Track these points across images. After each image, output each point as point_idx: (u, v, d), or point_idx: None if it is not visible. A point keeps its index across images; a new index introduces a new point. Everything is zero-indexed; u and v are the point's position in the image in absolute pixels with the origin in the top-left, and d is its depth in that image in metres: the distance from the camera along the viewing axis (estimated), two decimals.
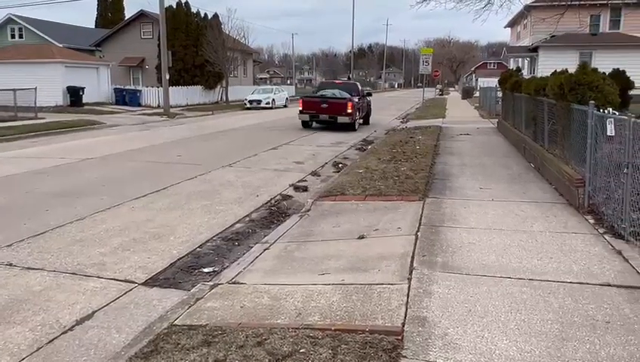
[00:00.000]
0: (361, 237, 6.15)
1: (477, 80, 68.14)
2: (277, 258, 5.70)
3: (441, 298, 4.28)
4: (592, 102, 6.89)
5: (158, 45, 31.53)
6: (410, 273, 4.82)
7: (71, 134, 19.15)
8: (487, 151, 13.18)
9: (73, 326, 4.26)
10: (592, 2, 28.77)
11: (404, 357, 3.40)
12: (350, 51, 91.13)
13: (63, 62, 31.20)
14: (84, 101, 30.59)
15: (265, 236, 6.68)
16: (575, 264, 5.07)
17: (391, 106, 39.74)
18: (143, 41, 40.37)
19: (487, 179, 9.44)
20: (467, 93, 52.21)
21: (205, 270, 5.60)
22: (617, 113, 6.53)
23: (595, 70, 7.91)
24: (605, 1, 28.35)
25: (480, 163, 11.36)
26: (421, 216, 6.89)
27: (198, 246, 6.30)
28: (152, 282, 5.22)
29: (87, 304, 4.66)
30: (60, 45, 36.58)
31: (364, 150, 14.76)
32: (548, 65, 26.06)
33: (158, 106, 32.40)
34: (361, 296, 4.36)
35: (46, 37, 38.22)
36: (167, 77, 29.25)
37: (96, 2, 54.89)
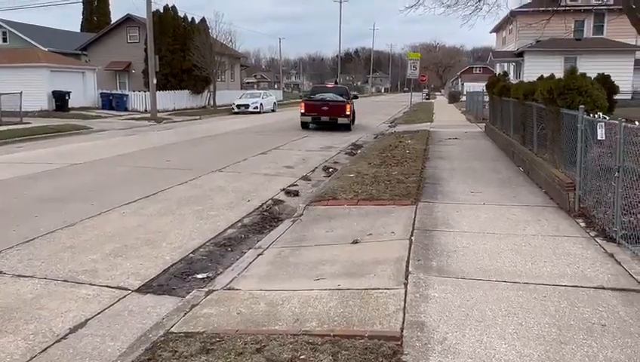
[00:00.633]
0: (355, 242, 6.14)
1: (463, 84, 68.63)
2: (271, 263, 5.67)
3: (438, 302, 4.28)
4: (582, 106, 6.96)
5: (145, 49, 31.40)
6: (406, 277, 4.82)
7: (57, 139, 18.95)
8: (476, 155, 13.25)
9: (67, 335, 4.19)
10: (577, 8, 29.21)
11: None
12: (337, 55, 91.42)
13: (49, 67, 30.89)
14: (70, 106, 30.29)
15: (258, 241, 6.64)
16: (569, 267, 5.10)
17: (379, 110, 39.86)
18: (130, 46, 40.11)
19: (478, 182, 9.49)
20: (453, 98, 52.59)
21: (199, 276, 5.55)
22: (607, 117, 6.61)
23: (584, 75, 8.00)
24: (590, 7, 28.75)
25: (470, 167, 11.42)
26: (414, 220, 6.90)
27: (191, 252, 6.25)
28: (145, 289, 5.16)
29: (80, 312, 4.59)
30: (45, 49, 36.25)
31: (354, 154, 14.79)
32: (533, 69, 26.37)
33: (145, 111, 32.18)
34: (358, 301, 4.35)
35: (31, 41, 37.85)
36: (155, 81, 29.11)
37: (82, 6, 54.45)
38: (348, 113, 22.34)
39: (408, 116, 31.29)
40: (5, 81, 27.79)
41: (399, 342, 3.62)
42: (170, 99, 36.16)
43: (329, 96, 23.27)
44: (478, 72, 78.58)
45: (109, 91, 35.34)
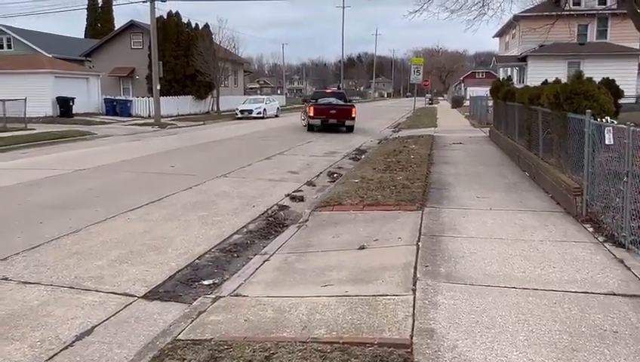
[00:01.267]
0: (362, 248, 6.10)
1: (466, 89, 68.65)
2: (277, 269, 5.63)
3: (447, 309, 4.24)
4: (589, 111, 6.92)
5: (149, 55, 31.51)
6: (415, 284, 4.78)
7: (62, 145, 18.98)
8: (481, 160, 13.20)
9: (73, 342, 4.16)
10: (580, 12, 29.19)
11: None
12: (340, 61, 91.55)
13: (53, 73, 31.03)
14: (74, 111, 30.40)
15: (264, 247, 6.61)
16: (578, 273, 5.06)
17: (382, 115, 39.85)
18: (133, 52, 40.24)
19: (484, 188, 9.45)
20: (457, 103, 52.53)
21: (205, 282, 5.52)
22: (614, 122, 6.57)
23: (590, 79, 7.97)
24: (593, 11, 28.73)
25: (475, 172, 11.37)
26: (421, 225, 6.86)
27: (197, 258, 6.22)
28: (151, 295, 5.13)
29: (86, 319, 4.56)
30: (50, 55, 36.41)
31: (359, 159, 14.75)
32: (537, 74, 26.32)
33: (149, 116, 32.26)
34: (366, 308, 4.31)
35: (35, 47, 37.99)
36: (158, 87, 29.21)
37: (86, 13, 54.79)
38: (353, 116, 23.96)
39: (412, 121, 31.24)
40: (10, 88, 27.91)
41: (409, 350, 3.58)
42: (173, 105, 36.23)
43: (329, 100, 25.08)
44: (480, 76, 78.55)
45: (112, 97, 35.43)
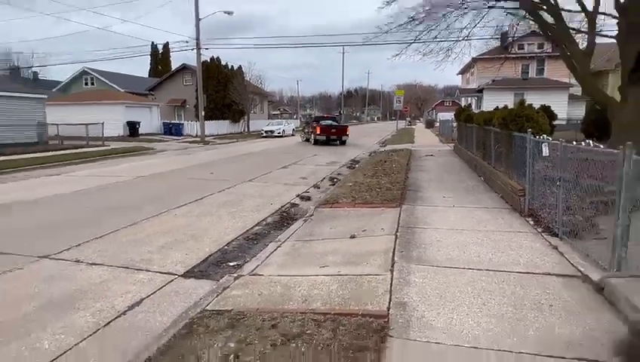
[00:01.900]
0: (353, 237, 5.95)
1: (437, 114, 68.20)
2: (287, 254, 5.49)
3: (417, 286, 4.07)
4: (530, 130, 6.73)
5: (196, 90, 31.48)
6: (392, 266, 4.61)
7: (129, 158, 18.92)
8: (447, 169, 12.98)
9: (126, 311, 4.04)
10: (523, 55, 28.90)
11: (391, 336, 3.19)
12: (341, 93, 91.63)
13: (124, 103, 31.17)
14: (139, 132, 30.48)
15: (277, 236, 6.46)
16: (521, 257, 4.87)
17: (373, 134, 39.62)
18: (185, 87, 40.42)
19: (449, 190, 9.24)
20: (430, 124, 52.16)
21: (231, 264, 5.39)
22: (550, 138, 6.37)
23: (531, 105, 7.76)
24: (533, 54, 28.42)
25: (442, 177, 11.15)
26: (399, 219, 6.70)
27: (225, 245, 6.09)
28: (189, 274, 5.00)
29: (137, 293, 4.44)
30: (122, 90, 36.60)
31: (353, 168, 14.55)
32: (491, 102, 26.01)
33: (196, 136, 32.22)
34: (354, 285, 4.15)
35: (111, 84, 38.27)
36: (203, 113, 29.19)
37: (149, 58, 55.17)
38: (347, 133, 25.92)
39: (395, 138, 31.01)
40: (92, 114, 28.09)
41: (386, 319, 3.42)
42: (214, 127, 36.22)
43: (329, 122, 26.66)
44: (448, 104, 78.03)
45: (169, 121, 35.46)
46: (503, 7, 10.82)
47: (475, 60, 32.27)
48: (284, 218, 7.74)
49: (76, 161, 16.56)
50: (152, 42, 54.46)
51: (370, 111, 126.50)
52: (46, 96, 23.99)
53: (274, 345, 3.11)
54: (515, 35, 17.66)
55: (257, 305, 3.83)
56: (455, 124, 21.54)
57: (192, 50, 29.01)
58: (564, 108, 29.38)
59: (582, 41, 13.60)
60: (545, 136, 6.53)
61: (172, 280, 4.78)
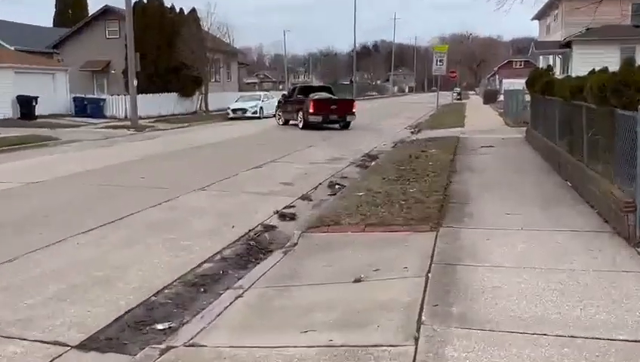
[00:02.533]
0: (358, 281, 5.77)
1: (501, 81, 68.31)
2: (251, 308, 5.31)
3: None
4: None
5: (125, 46, 31.44)
6: (418, 330, 4.40)
7: (19, 152, 18.82)
8: (514, 167, 12.91)
9: None
10: None
11: None
12: (352, 50, 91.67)
13: (13, 68, 31.11)
14: (37, 113, 30.41)
15: (239, 279, 6.31)
16: (629, 314, 4.64)
17: (400, 113, 39.63)
18: (109, 42, 40.46)
19: (515, 202, 9.10)
20: (489, 97, 52.21)
21: (159, 326, 5.19)
22: None
23: None
24: None
25: (506, 181, 11.08)
26: (433, 251, 6.53)
27: (154, 295, 5.91)
28: (89, 344, 4.78)
29: None
30: (11, 48, 36.58)
31: (367, 167, 14.55)
32: (583, 62, 25.86)
33: (126, 118, 32.22)
34: None
35: None
36: (135, 83, 29.14)
37: None
38: (354, 110, 26.55)
39: (434, 120, 31.03)
40: None
41: None
42: (154, 104, 36.22)
43: (324, 95, 27.48)
44: (518, 66, 78.29)
45: (83, 95, 35.46)
46: None
47: None
48: (252, 249, 7.63)
49: None
50: None
51: (397, 78, 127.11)
52: None
53: None
54: None
55: None
56: (528, 97, 21.42)
57: None
58: None
59: None
60: None
61: (60, 355, 4.57)
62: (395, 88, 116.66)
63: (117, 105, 34.62)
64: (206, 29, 39.95)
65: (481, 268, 5.86)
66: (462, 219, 8.04)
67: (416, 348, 4.11)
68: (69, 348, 4.72)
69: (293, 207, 10.14)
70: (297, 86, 33.87)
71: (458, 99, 63.31)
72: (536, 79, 16.50)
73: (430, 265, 6.03)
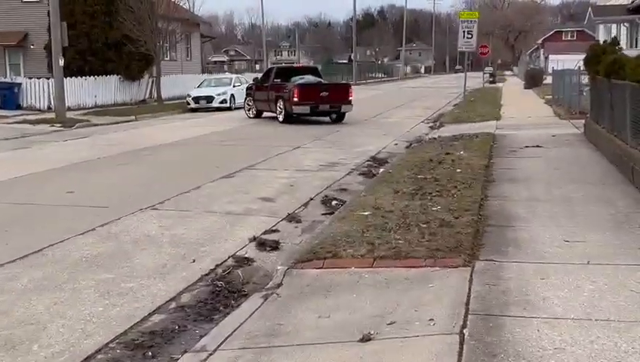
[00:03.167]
0: (367, 339, 5.62)
1: (547, 58, 68.87)
2: None
3: None
4: None
5: (48, 13, 31.24)
6: None
7: None
8: (571, 175, 12.92)
9: None
10: None
11: None
12: (351, 19, 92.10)
13: None
14: None
15: (202, 337, 6.20)
16: None
17: (416, 102, 39.87)
18: (25, 8, 40.39)
19: (576, 224, 9.05)
20: (533, 80, 52.52)
21: None
22: None
23: None
24: None
25: (561, 195, 11.03)
26: (469, 295, 6.40)
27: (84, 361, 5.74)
28: None
29: None
30: None
31: (373, 176, 14.54)
32: None
33: (49, 109, 32.15)
34: None
35: None
36: (62, 62, 29.02)
37: None
38: (350, 98, 27.42)
39: (461, 110, 31.21)
40: None
41: None
42: (89, 90, 36.32)
43: (309, 78, 28.47)
44: (569, 38, 79.10)
45: None
46: None
47: None
48: (221, 293, 7.54)
49: None
50: None
51: (410, 55, 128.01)
52: None
53: None
54: None
55: None
56: (586, 80, 21.46)
57: None
58: None
59: None
60: None
61: None
62: (408, 68, 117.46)
63: (37, 91, 34.56)
64: None
65: (537, 322, 5.69)
66: (505, 249, 7.90)
67: None
68: None
69: (275, 231, 10.03)
70: (275, 67, 34.19)
71: (491, 82, 63.76)
72: (597, 57, 16.55)
73: (465, 316, 5.86)
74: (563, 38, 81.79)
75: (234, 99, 36.20)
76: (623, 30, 36.44)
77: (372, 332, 5.70)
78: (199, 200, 12.27)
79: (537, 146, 16.98)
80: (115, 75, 38.58)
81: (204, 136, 23.79)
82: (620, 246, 7.90)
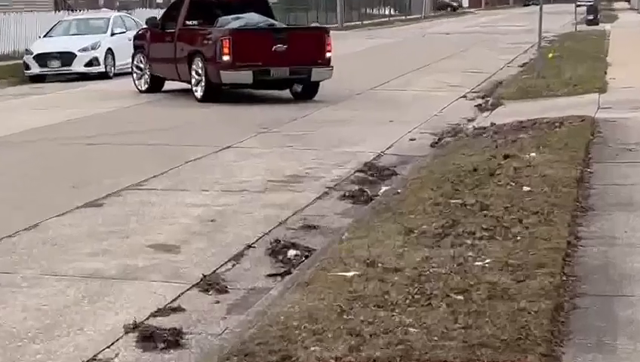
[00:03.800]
0: None
1: None
2: None
3: None
4: None
5: None
6: None
7: None
8: None
9: None
10: None
11: None
12: None
13: None
14: None
15: None
16: None
17: (449, 61, 40.09)
18: None
19: None
20: None
21: None
22: None
23: None
24: None
25: None
26: None
27: None
28: None
29: None
30: None
31: (369, 200, 14.58)
32: None
33: None
34: None
35: None
36: None
37: None
38: (329, 55, 28.97)
39: (534, 76, 31.14)
40: None
41: None
42: None
43: (254, 20, 28.65)
44: None
45: None
46: None
47: None
48: None
49: None
50: None
51: None
52: None
53: None
54: None
55: None
56: None
57: None
58: None
59: None
60: None
61: None
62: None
63: None
64: None
65: None
66: (612, 343, 7.73)
67: None
68: None
69: (177, 311, 9.81)
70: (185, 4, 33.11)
71: (591, 23, 64.26)
72: None
73: None
74: None
75: (113, 57, 36.61)
76: None
77: None
78: (33, 252, 11.98)
79: None
80: None
81: (56, 126, 23.94)
82: None
